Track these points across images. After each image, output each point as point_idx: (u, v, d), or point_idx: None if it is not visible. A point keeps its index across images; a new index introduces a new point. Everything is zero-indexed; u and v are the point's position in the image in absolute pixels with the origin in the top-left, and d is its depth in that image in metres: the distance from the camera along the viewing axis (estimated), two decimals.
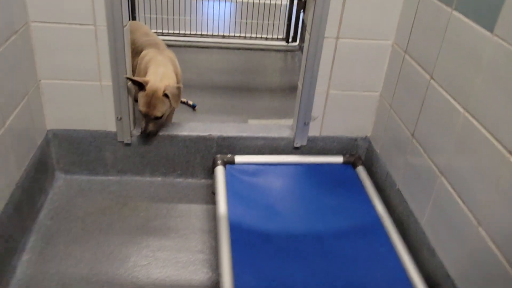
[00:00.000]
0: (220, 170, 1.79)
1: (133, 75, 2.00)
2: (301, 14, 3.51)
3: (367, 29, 1.70)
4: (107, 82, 1.72)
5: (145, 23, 3.46)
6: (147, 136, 1.84)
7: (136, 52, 2.00)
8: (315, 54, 1.72)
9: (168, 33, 3.46)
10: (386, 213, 1.65)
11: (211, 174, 1.93)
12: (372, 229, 1.61)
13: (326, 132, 1.94)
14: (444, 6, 1.38)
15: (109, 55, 1.66)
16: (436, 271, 1.39)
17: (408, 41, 1.62)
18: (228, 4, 4.01)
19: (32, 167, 1.66)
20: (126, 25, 1.65)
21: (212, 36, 3.53)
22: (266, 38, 3.57)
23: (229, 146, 1.92)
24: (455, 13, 1.32)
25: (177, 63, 2.02)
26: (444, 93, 1.37)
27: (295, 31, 3.57)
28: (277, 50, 3.48)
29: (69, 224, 1.70)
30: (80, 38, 1.63)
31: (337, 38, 1.71)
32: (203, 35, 3.53)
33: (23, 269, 1.50)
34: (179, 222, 1.75)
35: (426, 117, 1.48)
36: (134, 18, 3.42)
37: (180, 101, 1.84)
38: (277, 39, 3.59)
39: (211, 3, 3.97)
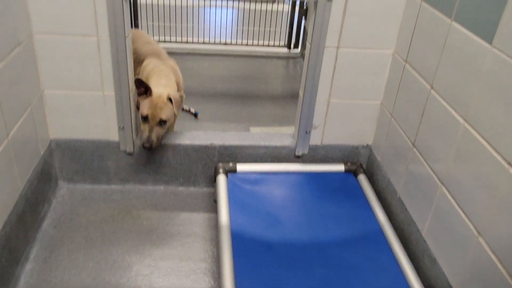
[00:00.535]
0: (222, 179, 1.80)
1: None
2: (303, 21, 3.53)
3: (367, 39, 1.71)
4: (110, 92, 1.74)
5: (147, 31, 3.49)
6: (149, 148, 1.75)
7: (138, 61, 2.02)
8: (316, 63, 1.73)
9: (170, 40, 3.49)
10: (387, 222, 1.66)
11: (213, 182, 1.94)
12: (374, 237, 1.61)
13: (328, 141, 1.94)
14: (444, 17, 1.39)
15: (112, 65, 1.68)
16: (437, 280, 1.39)
17: (409, 51, 1.63)
18: (230, 11, 4.04)
19: (35, 176, 1.68)
20: (128, 35, 1.67)
21: (214, 43, 3.56)
22: (268, 45, 3.59)
23: (231, 155, 1.93)
24: (455, 24, 1.33)
25: (178, 72, 2.03)
26: (444, 103, 1.38)
27: (296, 38, 3.59)
28: (279, 57, 3.49)
29: (72, 233, 1.71)
30: (83, 49, 1.65)
31: (338, 47, 1.72)
32: (205, 42, 3.55)
33: (26, 279, 1.51)
34: (181, 231, 1.76)
35: (427, 127, 1.49)
36: (136, 26, 3.44)
37: (181, 110, 1.85)
38: (279, 46, 3.61)
39: (213, 10, 3.99)
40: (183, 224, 1.80)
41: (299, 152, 1.94)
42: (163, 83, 1.82)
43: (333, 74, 1.78)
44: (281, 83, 3.07)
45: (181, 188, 1.99)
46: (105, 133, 1.84)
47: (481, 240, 1.18)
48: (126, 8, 1.60)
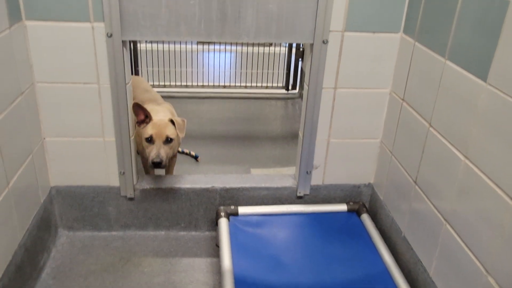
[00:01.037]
0: (223, 222, 1.78)
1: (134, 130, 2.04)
2: (300, 63, 3.59)
3: (364, 79, 1.74)
4: (110, 138, 1.75)
5: (147, 76, 3.55)
6: (159, 163, 1.72)
7: (134, 98, 2.05)
8: (314, 104, 1.75)
9: (170, 85, 3.54)
10: (393, 262, 1.62)
11: (214, 226, 1.92)
12: (380, 279, 1.57)
13: (329, 180, 1.94)
14: (438, 56, 1.41)
15: (113, 111, 1.70)
16: None
17: (405, 90, 1.65)
18: (228, 55, 4.13)
19: (35, 225, 1.66)
20: (128, 82, 1.69)
21: (213, 86, 3.61)
22: (267, 87, 3.65)
23: (232, 197, 1.92)
24: (449, 63, 1.35)
25: (175, 113, 2.07)
26: (444, 140, 1.38)
27: (294, 79, 3.65)
28: (278, 98, 3.54)
29: (72, 283, 1.67)
30: (84, 96, 1.68)
31: (335, 88, 1.75)
32: (204, 85, 3.61)
33: None
34: (183, 277, 1.72)
35: (428, 164, 1.49)
36: (136, 72, 3.51)
37: (182, 152, 1.86)
38: (277, 87, 3.66)
39: (211, 54, 4.08)
40: (185, 270, 1.76)
41: (300, 192, 1.93)
42: (162, 115, 1.86)
43: (331, 114, 1.79)
44: (280, 124, 3.09)
45: (182, 233, 1.97)
46: (106, 178, 1.84)
47: (490, 279, 1.15)
48: (126, 55, 1.64)
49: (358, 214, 1.89)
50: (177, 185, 1.89)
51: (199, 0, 1.56)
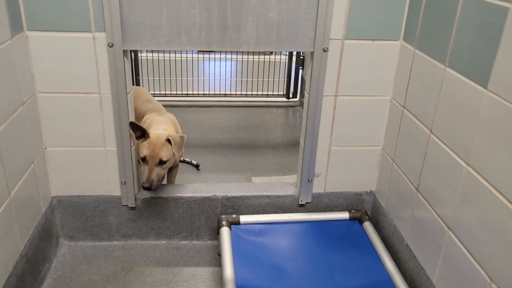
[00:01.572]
0: (225, 231, 1.78)
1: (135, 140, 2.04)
2: (300, 71, 3.60)
3: (364, 86, 1.74)
4: (112, 147, 1.75)
5: (148, 86, 3.56)
6: (149, 188, 1.73)
7: (138, 118, 2.06)
8: (315, 112, 1.75)
9: (171, 94, 3.55)
10: (396, 270, 1.62)
11: (216, 235, 1.91)
12: (383, 287, 1.56)
13: (331, 188, 1.93)
14: (438, 63, 1.42)
15: (114, 121, 1.70)
16: None
17: (406, 97, 1.65)
18: (228, 63, 4.14)
19: (36, 235, 1.65)
20: (129, 92, 1.70)
21: (214, 95, 3.62)
22: (267, 95, 3.65)
23: (233, 206, 1.91)
24: (449, 70, 1.35)
25: (177, 124, 2.06)
26: (445, 147, 1.38)
27: (295, 87, 3.66)
28: (278, 106, 3.54)
29: None
30: (85, 106, 1.68)
31: (336, 95, 1.75)
32: (205, 94, 3.62)
33: None
34: (185, 287, 1.71)
35: (429, 171, 1.48)
36: (137, 82, 3.52)
37: (182, 151, 1.87)
38: (278, 96, 3.67)
39: (212, 63, 4.09)
40: (186, 280, 1.75)
41: (302, 201, 1.93)
42: (163, 128, 1.86)
43: (332, 122, 1.79)
44: (281, 132, 3.09)
45: (184, 242, 1.96)
46: (107, 188, 1.83)
47: (494, 287, 1.15)
48: (127, 65, 1.65)
49: (360, 222, 1.88)
50: (178, 194, 1.88)
51: (200, 9, 1.57)
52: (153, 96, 3.40)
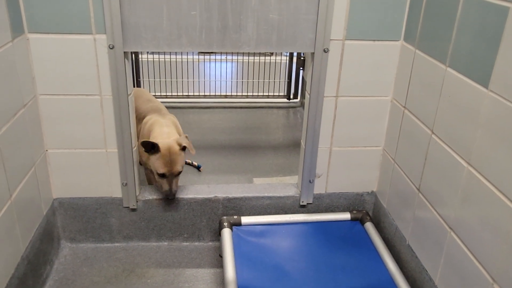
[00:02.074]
0: (226, 232, 1.77)
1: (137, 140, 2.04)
2: (301, 71, 3.60)
3: (365, 86, 1.74)
4: (113, 149, 1.75)
5: (149, 87, 3.56)
6: (173, 199, 1.83)
7: (139, 118, 2.06)
8: (316, 112, 1.75)
9: (171, 95, 3.55)
10: (398, 271, 1.61)
11: (218, 236, 1.91)
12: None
13: (332, 189, 1.93)
14: (439, 64, 1.42)
15: (115, 122, 1.70)
16: None
17: (407, 97, 1.65)
18: (229, 64, 4.14)
19: (37, 237, 1.65)
20: (130, 93, 1.70)
21: (215, 96, 3.62)
22: (268, 96, 3.65)
23: (235, 207, 1.91)
24: (450, 70, 1.35)
25: (179, 125, 2.06)
26: (446, 147, 1.38)
27: (295, 88, 3.65)
28: (279, 107, 3.54)
29: None
30: (86, 108, 1.68)
31: (337, 96, 1.75)
32: (206, 95, 3.62)
33: None
34: None
35: (431, 171, 1.48)
36: (138, 83, 3.52)
37: (184, 163, 1.88)
38: (279, 96, 3.67)
39: (212, 64, 4.10)
40: (188, 281, 1.75)
41: (303, 201, 1.93)
42: (166, 131, 1.86)
43: (333, 123, 1.79)
44: (282, 133, 3.09)
45: (185, 244, 1.96)
46: (108, 190, 1.83)
47: (496, 287, 1.14)
48: (128, 67, 1.65)
49: (362, 222, 1.88)
50: (180, 195, 1.88)
51: (200, 10, 1.57)
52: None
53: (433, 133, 1.46)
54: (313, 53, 1.67)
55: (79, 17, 1.54)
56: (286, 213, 1.94)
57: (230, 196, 1.90)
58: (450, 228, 1.36)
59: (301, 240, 1.80)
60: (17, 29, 1.48)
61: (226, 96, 3.63)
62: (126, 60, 1.62)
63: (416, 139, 1.58)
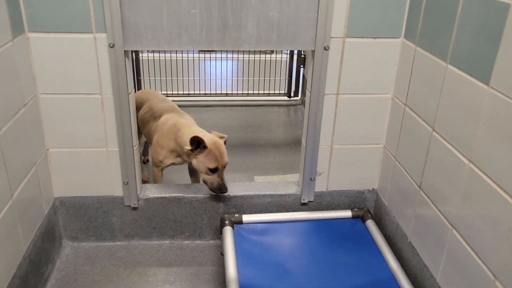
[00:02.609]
0: (228, 231, 1.78)
1: (150, 137, 2.04)
2: (301, 69, 3.60)
3: (366, 84, 1.74)
4: (114, 148, 1.75)
5: (149, 86, 3.56)
6: (227, 191, 1.83)
7: (154, 117, 2.06)
8: (316, 110, 1.75)
9: (172, 94, 3.55)
10: (399, 268, 1.61)
11: (219, 234, 1.91)
12: (386, 285, 1.56)
13: (333, 187, 1.93)
14: (439, 61, 1.41)
15: (116, 121, 1.70)
16: None
17: (407, 94, 1.65)
18: (229, 62, 4.14)
19: (39, 236, 1.66)
20: (131, 92, 1.70)
21: (215, 94, 3.62)
22: (269, 94, 3.65)
23: (236, 205, 1.91)
24: (450, 67, 1.35)
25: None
26: (447, 144, 1.38)
27: (296, 86, 3.65)
28: (280, 105, 3.54)
29: None
30: (87, 107, 1.68)
31: (337, 94, 1.75)
32: (206, 94, 3.62)
33: None
34: (188, 287, 1.72)
35: (432, 168, 1.48)
36: (139, 82, 3.52)
37: None
38: (279, 94, 3.67)
39: (213, 62, 4.09)
40: (190, 279, 1.75)
41: (304, 199, 1.93)
42: (196, 130, 1.88)
43: (334, 120, 1.79)
44: (283, 131, 3.09)
45: (186, 242, 1.96)
46: (109, 189, 1.84)
47: (498, 284, 1.14)
48: (128, 65, 1.65)
49: (363, 220, 1.88)
50: (181, 194, 1.88)
51: (200, 9, 1.57)
52: None
53: (434, 130, 1.46)
54: (314, 51, 1.67)
55: (79, 16, 1.54)
56: (287, 211, 1.94)
57: (231, 194, 1.90)
58: (452, 225, 1.36)
59: (302, 238, 1.80)
60: (17, 28, 1.48)
61: (226, 95, 3.63)
62: (126, 59, 1.62)
63: (417, 137, 1.58)
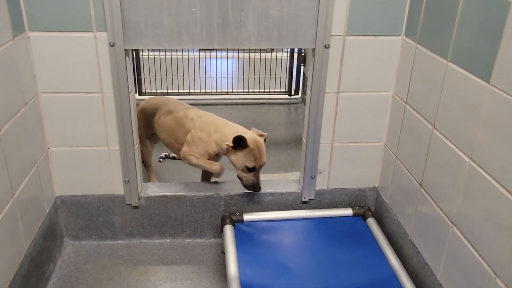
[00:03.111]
0: (229, 229, 1.78)
1: (176, 135, 2.01)
2: (302, 67, 3.60)
3: (366, 82, 1.74)
4: (114, 146, 1.75)
5: (150, 85, 3.56)
6: (260, 190, 1.83)
7: (171, 110, 2.06)
8: (317, 109, 1.75)
9: (173, 92, 3.55)
10: (400, 266, 1.61)
11: (220, 232, 1.91)
12: (387, 283, 1.56)
13: (334, 185, 1.93)
14: (440, 58, 1.41)
15: (116, 120, 1.70)
16: None
17: (408, 92, 1.65)
18: (230, 61, 4.14)
19: (40, 235, 1.66)
20: (131, 91, 1.70)
21: (216, 93, 3.62)
22: (269, 92, 3.65)
23: (237, 203, 1.91)
24: (451, 65, 1.35)
25: None
26: (448, 142, 1.38)
27: (297, 84, 3.65)
28: (280, 104, 3.54)
29: None
30: (87, 106, 1.68)
31: (338, 92, 1.75)
32: (207, 92, 3.62)
33: None
34: (189, 285, 1.72)
35: (433, 166, 1.48)
36: (139, 81, 3.52)
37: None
38: (280, 93, 3.67)
39: (213, 61, 4.09)
40: (191, 278, 1.76)
41: (305, 197, 1.93)
42: (235, 125, 1.88)
43: (335, 119, 1.79)
44: (283, 129, 3.09)
45: (188, 240, 1.96)
46: (111, 187, 1.84)
47: (498, 281, 1.14)
48: (129, 64, 1.65)
49: (364, 218, 1.88)
50: (182, 193, 1.89)
51: (200, 7, 1.57)
52: (155, 95, 3.40)
53: (434, 128, 1.46)
54: (314, 49, 1.66)
55: (79, 15, 1.54)
56: (288, 209, 1.94)
57: (232, 193, 1.90)
58: (452, 223, 1.36)
59: (303, 236, 1.80)
60: (17, 27, 1.48)
61: (227, 93, 3.63)
62: (127, 57, 1.62)
63: (417, 134, 1.58)
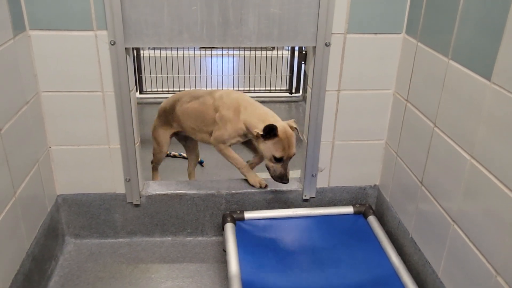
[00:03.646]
0: (230, 227, 1.78)
1: (203, 118, 1.95)
2: (303, 66, 3.60)
3: (367, 80, 1.74)
4: (115, 145, 1.76)
5: (151, 83, 3.56)
6: (288, 181, 1.77)
7: (194, 97, 1.99)
8: (318, 107, 1.75)
9: (173, 91, 3.55)
10: (401, 264, 1.61)
11: (221, 230, 1.92)
12: (388, 281, 1.56)
13: (335, 183, 1.93)
14: (441, 56, 1.41)
15: (117, 119, 1.70)
16: None
17: (409, 90, 1.65)
18: (230, 59, 4.13)
19: (42, 234, 1.66)
20: (132, 90, 1.70)
21: None
22: (270, 90, 3.65)
23: (238, 202, 1.92)
24: (452, 62, 1.35)
25: None
26: (449, 140, 1.38)
27: (297, 82, 3.65)
28: (281, 102, 3.54)
29: None
30: (88, 104, 1.68)
31: (339, 90, 1.75)
32: None
33: None
34: (190, 283, 1.72)
35: (433, 164, 1.48)
36: (140, 79, 3.52)
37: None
38: (281, 91, 3.66)
39: (214, 59, 4.09)
40: (192, 276, 1.76)
41: (306, 195, 1.93)
42: (267, 112, 1.80)
43: (335, 117, 1.79)
44: None
45: (189, 238, 1.97)
46: (112, 186, 1.84)
47: (499, 279, 1.15)
48: (129, 63, 1.65)
49: (365, 216, 1.88)
50: (183, 191, 1.89)
51: (201, 5, 1.57)
52: (156, 93, 3.40)
53: (435, 126, 1.46)
54: (315, 47, 1.66)
55: (80, 14, 1.54)
56: (289, 207, 1.94)
57: (233, 191, 1.90)
58: (453, 221, 1.36)
59: (304, 234, 1.80)
60: (18, 26, 1.49)
61: None
62: (127, 56, 1.62)
63: (418, 132, 1.58)
